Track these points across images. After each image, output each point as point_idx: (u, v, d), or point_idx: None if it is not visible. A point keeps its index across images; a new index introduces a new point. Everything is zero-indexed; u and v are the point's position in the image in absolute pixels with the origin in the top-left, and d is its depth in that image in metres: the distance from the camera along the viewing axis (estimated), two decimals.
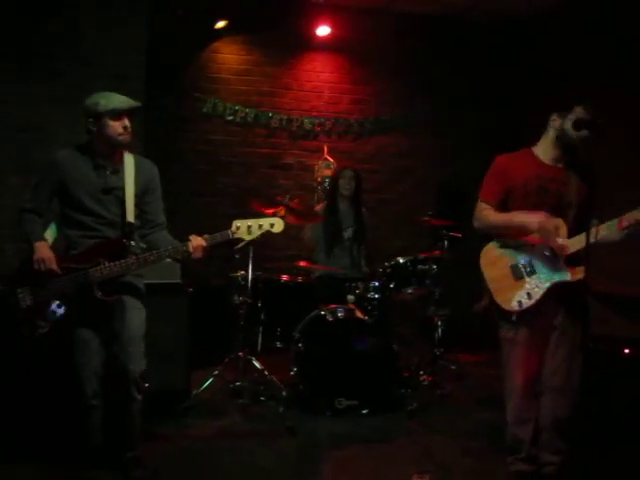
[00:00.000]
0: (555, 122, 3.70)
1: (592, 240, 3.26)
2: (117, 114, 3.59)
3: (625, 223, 3.41)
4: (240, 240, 3.73)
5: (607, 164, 3.55)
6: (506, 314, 3.68)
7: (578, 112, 3.61)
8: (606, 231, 3.42)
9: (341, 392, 5.05)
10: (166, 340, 4.85)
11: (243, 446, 4.49)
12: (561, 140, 3.67)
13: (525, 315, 3.63)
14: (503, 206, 3.76)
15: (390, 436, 4.74)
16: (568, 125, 3.62)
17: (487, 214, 3.78)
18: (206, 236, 3.65)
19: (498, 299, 3.69)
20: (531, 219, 3.59)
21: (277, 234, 3.79)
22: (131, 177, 3.72)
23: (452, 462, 4.27)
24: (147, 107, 6.07)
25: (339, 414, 5.01)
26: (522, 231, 3.66)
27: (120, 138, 3.64)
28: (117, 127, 3.61)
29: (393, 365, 5.31)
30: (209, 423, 4.86)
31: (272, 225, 3.72)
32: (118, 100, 3.61)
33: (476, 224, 3.85)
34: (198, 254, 3.61)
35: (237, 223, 3.68)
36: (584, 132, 3.58)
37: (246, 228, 3.68)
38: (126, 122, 3.63)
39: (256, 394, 5.35)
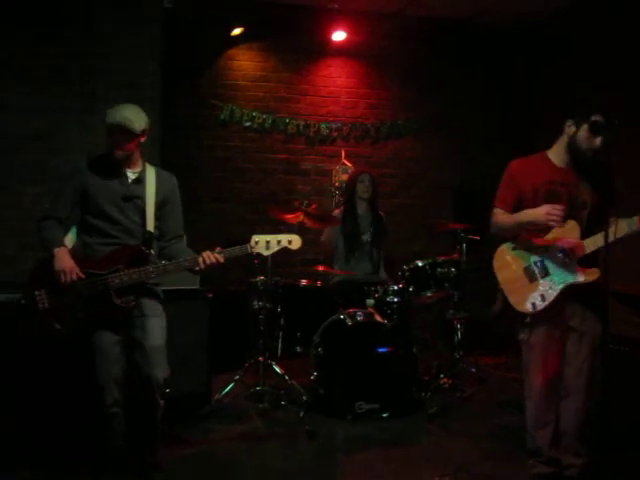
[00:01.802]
0: (570, 128, 3.67)
1: (611, 239, 3.27)
2: (108, 130, 3.64)
3: None
4: (258, 255, 3.76)
5: (620, 165, 3.53)
6: (520, 316, 3.69)
7: (595, 119, 3.57)
8: (626, 229, 3.42)
9: (361, 396, 5.05)
10: (187, 345, 4.88)
11: (263, 450, 4.52)
12: (571, 147, 3.66)
13: (541, 317, 3.63)
14: (517, 211, 3.76)
15: (410, 439, 4.74)
16: (582, 134, 3.60)
17: (500, 217, 3.80)
18: (219, 250, 3.67)
19: (512, 301, 3.69)
20: (537, 211, 3.58)
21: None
22: (152, 188, 3.77)
23: (473, 465, 4.25)
24: (164, 115, 6.17)
25: (359, 418, 5.01)
26: (533, 227, 3.66)
27: (115, 152, 3.67)
28: (111, 142, 3.66)
29: (413, 368, 5.31)
30: (230, 427, 4.88)
31: (290, 242, 3.75)
32: (114, 115, 3.60)
33: (492, 230, 3.87)
34: (207, 269, 3.67)
35: (256, 238, 3.70)
36: (598, 140, 3.56)
37: (265, 243, 3.70)
38: (117, 139, 3.63)
39: (276, 398, 5.36)
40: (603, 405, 3.66)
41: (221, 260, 3.65)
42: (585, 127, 3.59)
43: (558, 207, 3.52)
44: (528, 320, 3.67)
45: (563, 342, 3.68)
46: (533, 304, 3.62)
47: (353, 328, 5.23)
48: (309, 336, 5.42)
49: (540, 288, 3.63)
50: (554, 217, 3.51)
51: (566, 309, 3.64)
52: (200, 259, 3.63)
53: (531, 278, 3.68)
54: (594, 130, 3.55)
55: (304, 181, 7.72)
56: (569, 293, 3.58)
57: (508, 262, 3.79)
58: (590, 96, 6.26)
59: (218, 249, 3.67)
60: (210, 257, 3.63)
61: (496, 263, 3.83)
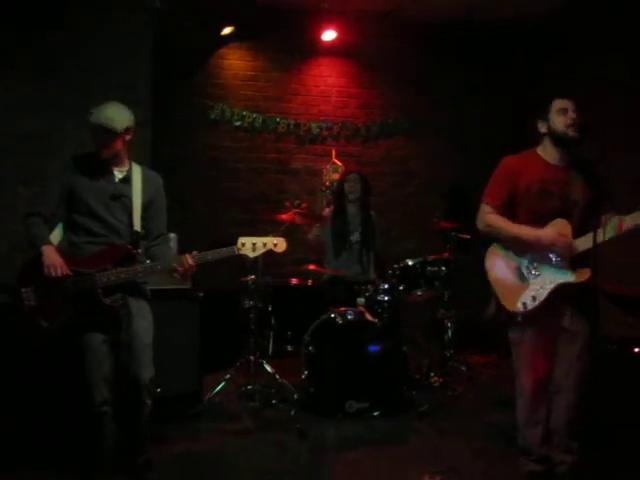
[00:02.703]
0: (543, 127, 3.72)
1: (599, 240, 3.28)
2: (91, 130, 3.65)
3: (624, 227, 3.42)
4: (245, 256, 3.80)
5: (618, 162, 3.55)
6: (512, 315, 3.69)
7: (556, 105, 3.67)
8: (610, 233, 3.44)
9: (352, 394, 5.06)
10: (177, 345, 4.88)
11: (254, 449, 4.52)
12: (556, 140, 3.68)
13: (531, 317, 3.64)
14: (507, 209, 3.77)
15: (401, 438, 4.76)
16: (553, 121, 3.66)
17: (493, 218, 3.77)
18: (199, 252, 3.69)
19: (503, 301, 3.70)
20: (543, 236, 3.59)
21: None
22: (138, 187, 3.78)
23: (463, 463, 4.28)
24: (154, 114, 6.16)
25: (350, 416, 5.02)
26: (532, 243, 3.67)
27: (100, 152, 3.69)
28: (95, 142, 3.68)
29: (403, 367, 5.34)
30: (221, 427, 4.88)
31: (275, 244, 3.82)
32: (96, 116, 3.61)
33: (480, 226, 3.84)
34: (185, 273, 3.68)
35: (242, 240, 3.75)
36: (569, 115, 3.62)
37: (251, 246, 3.75)
38: (101, 139, 3.64)
39: (267, 398, 5.36)
40: (593, 403, 3.68)
41: (192, 263, 3.65)
42: (552, 113, 3.67)
43: (564, 239, 3.55)
44: (519, 319, 3.68)
45: (554, 341, 3.69)
46: (524, 304, 3.63)
47: (343, 327, 5.24)
48: (300, 335, 5.43)
49: (531, 288, 3.63)
50: (560, 245, 3.55)
51: (557, 309, 3.65)
52: (184, 259, 3.65)
53: (522, 278, 3.68)
54: (559, 108, 3.66)
55: (294, 180, 7.73)
56: (560, 293, 3.59)
57: (499, 261, 3.79)
58: (590, 92, 6.30)
59: (195, 253, 3.69)
60: (189, 262, 3.65)
61: (487, 262, 3.83)
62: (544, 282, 3.61)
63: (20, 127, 5.77)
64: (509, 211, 3.76)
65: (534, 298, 3.61)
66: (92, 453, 3.74)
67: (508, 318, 3.73)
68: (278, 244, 3.82)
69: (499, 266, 3.78)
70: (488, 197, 3.83)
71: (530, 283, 3.65)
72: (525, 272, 3.68)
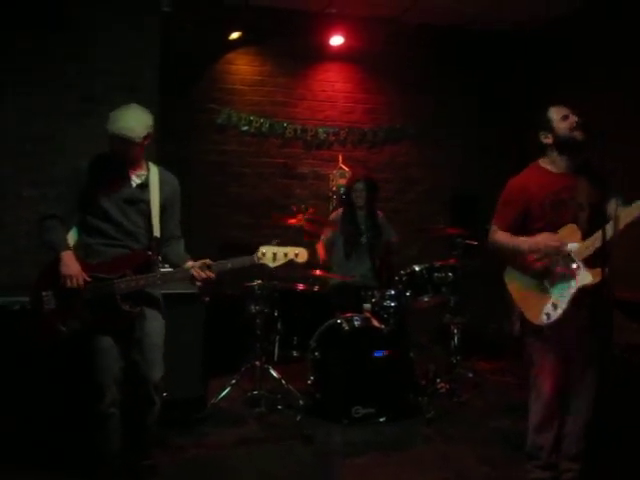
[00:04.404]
0: (547, 138, 3.71)
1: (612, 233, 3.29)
2: (109, 138, 3.60)
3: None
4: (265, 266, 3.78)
5: (616, 168, 3.54)
6: (537, 328, 3.67)
7: (558, 112, 3.67)
8: (625, 219, 3.42)
9: (358, 400, 5.04)
10: (183, 349, 4.86)
11: (260, 455, 4.50)
12: (562, 145, 3.67)
13: (554, 326, 3.61)
14: (518, 229, 3.76)
15: (407, 444, 4.73)
16: (561, 129, 3.64)
17: (498, 235, 3.81)
18: (208, 262, 3.69)
19: (527, 315, 3.69)
20: (536, 241, 3.61)
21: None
22: (156, 191, 3.75)
23: (470, 470, 4.26)
24: (161, 118, 6.16)
25: (356, 422, 5.00)
26: (533, 255, 3.66)
27: (118, 159, 3.67)
28: (113, 150, 3.64)
29: (410, 373, 5.31)
30: (226, 432, 4.87)
31: (297, 254, 3.76)
32: (114, 125, 3.55)
33: (490, 247, 3.89)
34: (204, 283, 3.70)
35: (263, 249, 3.71)
36: (571, 119, 3.62)
37: (272, 255, 3.71)
38: (119, 148, 3.61)
39: (273, 403, 5.35)
40: (601, 411, 3.66)
41: (210, 274, 3.66)
42: (555, 122, 3.66)
43: (554, 238, 3.56)
44: (544, 332, 3.66)
45: (573, 348, 3.68)
46: (548, 314, 3.61)
47: (350, 332, 5.23)
48: (306, 340, 5.41)
49: (552, 298, 3.62)
50: (551, 247, 3.56)
51: (575, 314, 3.62)
52: (202, 270, 3.66)
53: (542, 290, 3.66)
54: (562, 115, 3.66)
55: (301, 185, 7.73)
56: (578, 299, 3.56)
57: (518, 277, 3.78)
58: (588, 100, 6.30)
59: (208, 261, 3.68)
60: (202, 274, 3.66)
61: (507, 279, 3.84)
62: (563, 289, 3.59)
63: (26, 130, 5.79)
64: (520, 231, 3.76)
65: (555, 307, 3.58)
66: (96, 455, 3.73)
67: (533, 330, 3.71)
68: (299, 254, 3.76)
69: (519, 281, 3.77)
70: (497, 219, 3.86)
71: (550, 293, 3.63)
72: (544, 284, 3.66)
